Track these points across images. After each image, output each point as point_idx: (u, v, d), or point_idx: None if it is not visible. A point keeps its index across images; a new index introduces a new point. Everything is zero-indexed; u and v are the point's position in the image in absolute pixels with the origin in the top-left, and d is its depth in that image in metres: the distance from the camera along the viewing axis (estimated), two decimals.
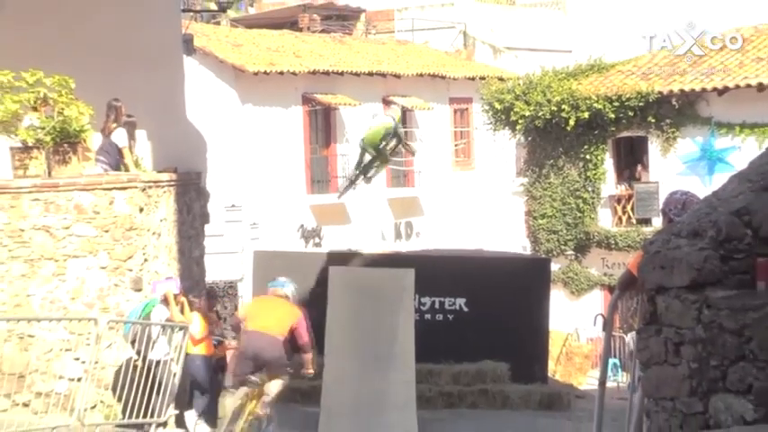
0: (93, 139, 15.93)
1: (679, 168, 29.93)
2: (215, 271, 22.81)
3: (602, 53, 32.20)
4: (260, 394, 13.51)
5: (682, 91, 29.79)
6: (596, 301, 30.87)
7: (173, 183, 16.74)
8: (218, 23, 37.07)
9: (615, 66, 31.76)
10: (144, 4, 17.87)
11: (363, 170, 22.39)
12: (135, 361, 14.64)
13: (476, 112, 36.53)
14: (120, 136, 16.15)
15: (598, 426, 9.44)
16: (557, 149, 31.39)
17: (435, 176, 35.61)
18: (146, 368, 14.48)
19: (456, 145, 37.90)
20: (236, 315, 14.15)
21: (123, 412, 14.51)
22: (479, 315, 20.45)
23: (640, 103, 30.01)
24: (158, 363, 14.66)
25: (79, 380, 14.34)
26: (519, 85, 32.02)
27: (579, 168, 31.17)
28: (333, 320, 17.01)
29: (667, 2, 35.01)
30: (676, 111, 30.12)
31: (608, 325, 10.30)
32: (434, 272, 20.29)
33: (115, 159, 16.12)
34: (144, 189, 15.68)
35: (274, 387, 13.68)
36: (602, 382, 9.85)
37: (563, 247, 31.51)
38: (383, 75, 34.54)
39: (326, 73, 32.74)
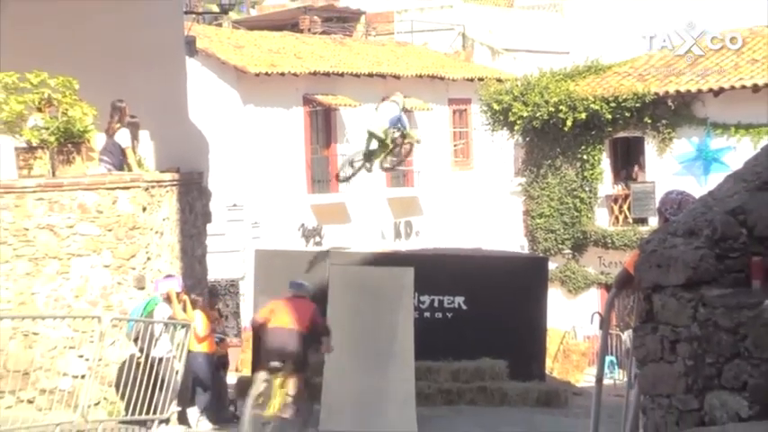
0: (97, 140, 15.95)
1: (675, 168, 29.93)
2: (217, 269, 22.81)
3: (599, 55, 32.20)
4: (282, 383, 13.75)
5: (678, 92, 29.79)
6: (593, 299, 30.88)
7: (175, 182, 16.75)
8: (219, 25, 37.08)
9: (612, 67, 31.76)
10: (147, 6, 17.87)
11: (367, 156, 22.42)
12: (138, 358, 14.65)
13: (474, 112, 36.53)
14: (123, 136, 16.16)
15: (595, 422, 9.44)
16: (554, 150, 31.39)
17: (434, 176, 35.61)
18: (148, 365, 14.49)
19: (455, 145, 37.91)
20: (257, 316, 14.39)
21: (126, 409, 14.52)
22: (478, 313, 20.44)
23: (637, 104, 30.01)
24: (161, 360, 14.68)
25: (83, 377, 14.36)
26: (517, 86, 32.01)
27: (576, 168, 31.17)
28: (333, 318, 17.02)
29: (667, 2, 34.96)
30: (672, 111, 30.11)
31: (605, 323, 10.30)
32: (433, 270, 20.29)
33: (118, 159, 16.13)
34: (147, 189, 15.69)
35: (293, 388, 13.89)
36: (599, 379, 9.85)
37: (560, 246, 31.51)
38: (383, 76, 34.53)
39: (327, 74, 32.74)
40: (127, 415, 14.51)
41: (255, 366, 20.66)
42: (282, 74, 31.45)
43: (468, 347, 20.15)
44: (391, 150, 22.13)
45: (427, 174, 35.50)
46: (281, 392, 13.89)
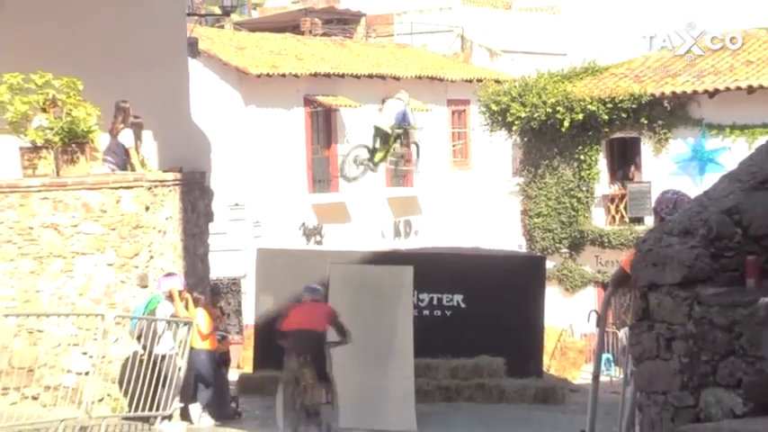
0: (101, 140, 15.95)
1: (671, 168, 29.93)
2: (219, 268, 22.82)
3: (596, 56, 32.19)
4: (307, 377, 14.21)
5: (674, 93, 29.79)
6: (590, 297, 30.86)
7: (178, 182, 16.75)
8: (222, 27, 37.06)
9: (609, 68, 31.75)
10: (150, 8, 17.87)
11: (372, 153, 22.44)
12: (141, 355, 14.65)
13: (473, 113, 36.54)
14: (126, 136, 16.16)
15: (592, 419, 9.45)
16: (552, 150, 31.38)
17: (433, 176, 35.60)
18: (151, 362, 14.49)
19: (454, 145, 37.91)
20: (280, 322, 14.70)
21: (129, 405, 14.52)
22: (476, 311, 20.45)
23: (633, 105, 29.99)
24: (164, 357, 14.68)
25: (87, 374, 14.35)
26: (515, 87, 32.00)
27: (574, 168, 31.16)
28: None
29: (667, 2, 34.92)
30: (668, 112, 30.10)
31: (601, 321, 10.31)
32: (433, 269, 20.30)
33: (122, 159, 16.13)
34: (150, 188, 15.69)
35: (314, 380, 14.29)
36: (596, 376, 9.86)
37: (558, 245, 31.51)
38: (383, 77, 34.53)
39: (327, 75, 32.74)
40: (130, 411, 14.51)
41: (257, 364, 20.77)
42: (283, 75, 31.46)
43: (466, 345, 20.17)
44: (393, 147, 22.15)
45: (426, 174, 35.49)
46: (309, 384, 14.26)
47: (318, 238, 32.30)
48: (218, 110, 29.10)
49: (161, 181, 16.22)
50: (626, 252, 17.21)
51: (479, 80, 35.89)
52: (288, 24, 39.50)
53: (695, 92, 29.60)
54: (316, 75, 32.38)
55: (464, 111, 38.04)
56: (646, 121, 30.15)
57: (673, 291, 6.93)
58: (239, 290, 29.60)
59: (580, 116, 30.31)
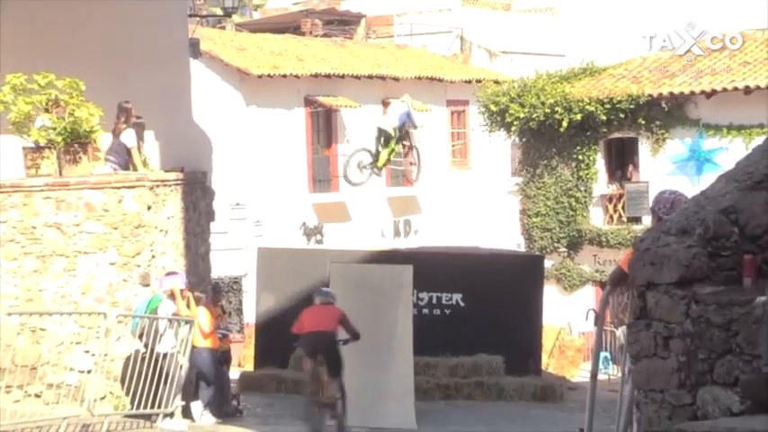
0: (103, 140, 15.94)
1: (668, 168, 29.92)
2: (220, 267, 22.82)
3: (594, 57, 32.19)
4: (324, 374, 14.89)
5: (671, 94, 29.78)
6: (588, 296, 30.86)
7: (179, 182, 16.74)
8: (223, 28, 37.05)
9: (607, 69, 31.74)
10: (152, 10, 17.86)
11: (375, 156, 22.50)
12: (143, 354, 14.64)
13: (472, 113, 36.55)
14: (129, 136, 16.15)
15: (590, 417, 9.44)
16: (550, 150, 31.37)
17: (433, 176, 35.59)
18: (153, 360, 14.49)
19: (453, 146, 37.91)
20: (296, 325, 15.17)
21: (132, 403, 14.52)
22: (475, 310, 20.46)
23: (631, 106, 29.98)
24: (165, 355, 14.68)
25: (89, 372, 14.35)
26: (514, 87, 31.99)
27: (572, 168, 31.15)
28: None
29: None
30: (666, 113, 30.10)
31: (599, 319, 10.30)
32: (432, 268, 20.31)
33: (124, 159, 16.12)
34: (152, 188, 15.68)
35: (336, 389, 14.99)
36: (594, 374, 9.85)
37: (556, 245, 31.50)
38: (383, 78, 34.54)
39: (328, 76, 32.74)
40: (132, 409, 14.52)
41: (258, 362, 20.77)
42: (284, 75, 31.46)
43: (465, 343, 20.18)
44: (395, 149, 22.20)
45: (426, 173, 35.47)
46: (325, 381, 14.88)
47: (319, 237, 32.31)
48: (219, 110, 29.10)
49: (163, 181, 16.22)
50: (624, 251, 17.23)
51: (478, 81, 35.90)
52: (289, 25, 39.50)
53: (692, 92, 29.61)
54: (316, 75, 32.39)
55: (463, 111, 38.05)
56: (643, 122, 30.15)
57: (670, 290, 6.93)
58: (240, 289, 29.62)
59: (578, 116, 30.31)
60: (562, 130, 30.60)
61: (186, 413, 15.50)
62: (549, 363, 27.43)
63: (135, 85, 16.70)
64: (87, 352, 14.67)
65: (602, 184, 31.28)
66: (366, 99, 33.50)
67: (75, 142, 15.22)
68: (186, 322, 15.19)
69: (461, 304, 20.74)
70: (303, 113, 32.54)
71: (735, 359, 6.52)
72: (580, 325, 29.13)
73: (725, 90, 29.23)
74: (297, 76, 31.85)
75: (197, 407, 15.74)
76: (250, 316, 26.55)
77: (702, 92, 29.48)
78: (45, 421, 13.45)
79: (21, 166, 15.43)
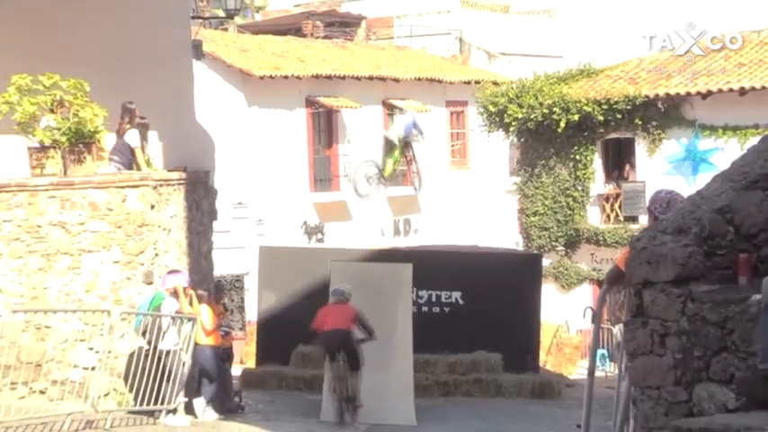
0: (107, 140, 15.95)
1: (665, 168, 29.92)
2: (222, 265, 22.81)
3: (591, 58, 32.19)
4: (343, 377, 15.89)
5: (667, 95, 29.78)
6: (585, 294, 30.87)
7: (182, 181, 16.75)
8: (225, 30, 37.04)
9: (604, 71, 31.76)
10: (155, 11, 17.85)
11: (382, 166, 22.58)
12: (146, 351, 14.64)
13: (471, 114, 36.53)
14: (132, 137, 16.15)
15: (587, 413, 9.44)
16: (548, 150, 31.37)
17: (432, 176, 35.58)
18: (156, 357, 14.49)
19: (452, 146, 37.89)
20: (314, 323, 16.15)
21: (135, 399, 14.52)
22: (474, 308, 20.46)
23: (628, 107, 29.99)
24: (168, 352, 14.68)
25: (93, 368, 14.36)
26: (512, 88, 31.99)
27: (569, 168, 31.15)
28: None
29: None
30: (662, 113, 30.10)
31: (597, 317, 10.30)
32: (431, 267, 20.30)
33: (128, 159, 16.12)
34: (155, 187, 15.69)
35: (357, 382, 15.98)
36: (591, 371, 9.84)
37: (554, 244, 31.50)
38: (383, 79, 34.52)
39: (329, 77, 32.73)
40: (135, 405, 14.51)
41: (260, 359, 20.78)
42: (286, 77, 31.45)
43: (464, 341, 20.17)
44: (398, 159, 22.36)
45: (426, 173, 35.45)
46: (346, 377, 15.87)
47: (320, 236, 32.30)
48: (221, 111, 29.09)
49: (166, 180, 16.22)
50: (621, 250, 17.20)
51: (477, 82, 35.88)
52: (290, 27, 39.47)
53: (688, 93, 29.61)
54: (317, 76, 32.38)
55: (462, 112, 38.02)
56: (640, 122, 30.16)
57: (666, 288, 6.93)
58: (242, 287, 29.60)
59: (576, 117, 30.32)
60: (560, 130, 30.60)
61: (189, 409, 15.50)
62: (546, 360, 27.42)
63: (138, 86, 16.70)
64: (91, 349, 14.68)
65: (599, 183, 31.29)
66: (366, 100, 33.51)
67: (80, 142, 15.23)
68: (189, 320, 15.19)
69: (460, 302, 20.74)
70: (304, 114, 32.53)
71: (730, 356, 6.52)
72: (577, 322, 29.14)
73: (720, 91, 29.24)
74: (298, 77, 31.84)
75: (199, 403, 15.75)
76: (252, 314, 26.54)
77: (698, 93, 29.49)
78: (49, 417, 13.45)
79: (26, 166, 15.43)
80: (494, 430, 16.60)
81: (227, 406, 16.44)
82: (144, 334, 14.71)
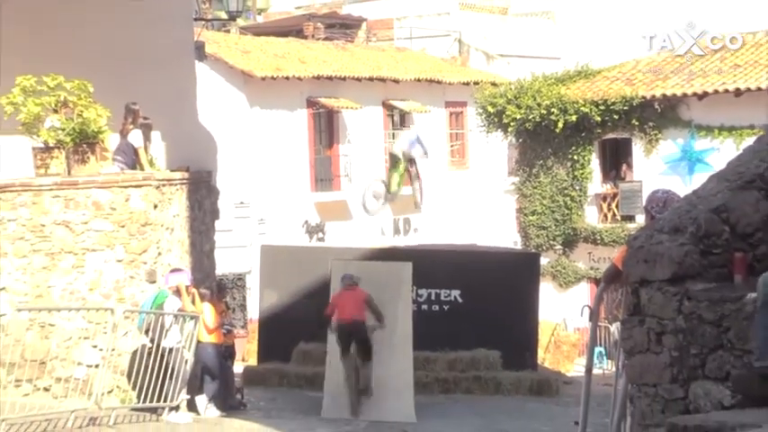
0: (111, 140, 15.94)
1: (661, 168, 29.92)
2: (224, 264, 22.82)
3: (588, 60, 32.19)
4: (358, 364, 16.22)
5: (664, 95, 29.78)
6: (583, 293, 30.86)
7: (185, 181, 16.74)
8: (228, 31, 37.03)
9: (601, 72, 31.76)
10: (159, 13, 17.86)
11: (387, 183, 22.73)
12: (149, 348, 14.63)
13: (470, 115, 36.53)
14: (136, 137, 16.14)
15: (584, 410, 9.43)
16: (546, 150, 31.37)
17: (432, 176, 35.56)
18: (159, 355, 14.49)
19: (451, 146, 37.90)
20: (327, 311, 16.42)
21: (138, 396, 14.52)
22: (473, 306, 20.44)
23: (625, 107, 29.99)
24: (171, 350, 14.67)
25: (97, 366, 14.35)
26: (511, 89, 31.99)
27: (567, 168, 31.15)
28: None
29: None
30: (659, 114, 30.11)
31: (594, 315, 10.29)
32: (431, 265, 20.28)
33: (131, 159, 16.11)
34: (158, 187, 15.68)
35: (368, 373, 16.30)
36: (589, 369, 9.85)
37: (552, 243, 31.50)
38: (383, 80, 34.53)
39: (330, 78, 32.73)
40: (138, 402, 14.51)
41: (261, 357, 20.78)
42: (287, 78, 31.46)
43: (463, 339, 20.16)
44: (403, 175, 22.58)
45: (425, 173, 35.42)
46: (359, 368, 16.17)
47: (321, 235, 32.30)
48: (224, 111, 29.09)
49: (169, 180, 16.22)
50: (618, 249, 17.20)
51: (476, 83, 35.90)
52: (291, 29, 39.48)
53: (685, 94, 29.62)
54: (318, 77, 32.38)
55: (461, 112, 38.02)
56: (637, 123, 30.16)
57: (663, 286, 6.92)
58: (244, 285, 29.59)
59: (573, 118, 30.32)
60: (558, 130, 30.61)
61: (191, 406, 15.49)
62: (544, 358, 27.42)
63: (142, 87, 16.70)
64: (95, 347, 14.66)
65: (596, 183, 31.29)
66: (367, 100, 33.51)
67: (84, 142, 15.22)
68: (191, 318, 15.18)
69: (460, 300, 20.72)
70: (305, 114, 32.54)
71: (726, 354, 6.52)
72: (575, 321, 29.14)
73: (716, 92, 29.25)
74: (299, 78, 31.84)
75: (202, 400, 15.74)
76: (254, 312, 26.53)
77: (694, 94, 29.50)
78: (54, 414, 13.44)
79: (30, 166, 15.43)
80: (493, 427, 16.59)
81: (228, 403, 16.44)
82: (147, 332, 14.70)
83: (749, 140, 27.27)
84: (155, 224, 15.47)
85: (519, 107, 31.10)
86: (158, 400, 14.47)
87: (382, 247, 25.54)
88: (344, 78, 33.18)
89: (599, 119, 30.25)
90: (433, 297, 20.67)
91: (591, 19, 38.73)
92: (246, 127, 30.70)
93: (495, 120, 31.87)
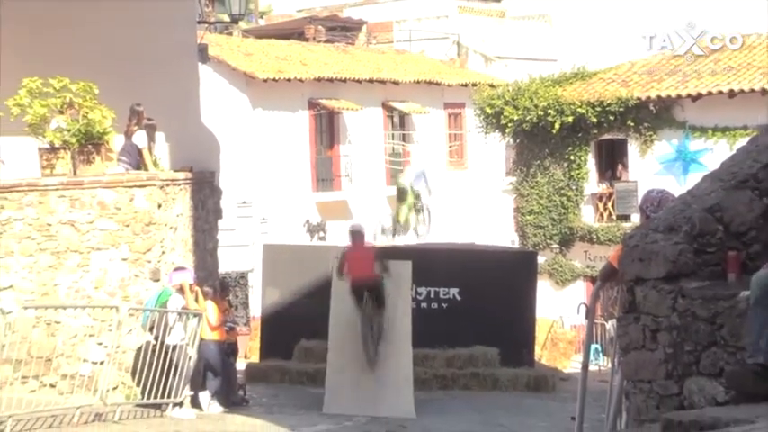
0: (116, 141, 15.94)
1: (656, 168, 29.91)
2: (227, 262, 22.80)
3: (585, 62, 32.18)
4: (371, 313, 16.74)
5: (659, 97, 29.78)
6: (579, 290, 30.84)
7: (188, 181, 16.74)
8: (230, 34, 37.02)
9: (597, 74, 31.75)
10: (163, 16, 17.85)
11: (396, 213, 23.06)
12: (153, 346, 14.64)
13: (468, 116, 36.51)
14: (140, 138, 16.14)
15: (581, 406, 9.44)
16: (543, 151, 31.36)
17: (431, 176, 35.53)
18: (163, 352, 14.49)
19: (450, 147, 37.87)
20: (341, 260, 17.02)
21: (142, 393, 14.52)
22: (471, 304, 20.44)
23: (620, 108, 29.98)
24: (175, 347, 14.67)
25: (102, 363, 14.36)
26: (508, 91, 31.98)
27: (564, 168, 31.14)
28: (336, 308, 17.05)
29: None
30: (654, 115, 30.10)
31: (590, 313, 10.29)
32: (430, 264, 20.29)
33: (136, 159, 16.11)
34: (162, 187, 15.68)
35: (382, 318, 16.85)
36: (585, 365, 9.84)
37: (549, 241, 31.48)
38: (383, 81, 34.52)
39: (330, 80, 32.72)
40: (143, 398, 14.51)
41: (263, 354, 20.77)
42: (289, 79, 31.45)
43: (462, 336, 20.17)
44: (411, 206, 22.89)
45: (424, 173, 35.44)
46: (373, 315, 16.67)
47: (322, 234, 32.28)
48: (226, 113, 29.07)
49: (172, 180, 16.22)
50: (613, 248, 17.18)
51: (474, 85, 35.88)
52: (293, 32, 39.47)
53: (679, 96, 29.62)
54: (319, 79, 32.37)
55: (460, 114, 38.01)
56: (632, 124, 30.15)
57: (658, 284, 6.93)
58: (246, 283, 29.58)
59: (570, 119, 30.31)
60: (554, 131, 30.60)
61: (194, 402, 15.50)
62: (541, 354, 27.41)
63: (146, 89, 16.70)
64: (100, 344, 14.66)
65: (592, 183, 31.28)
66: (367, 102, 33.50)
67: (89, 143, 15.22)
68: (195, 315, 15.19)
69: (458, 298, 20.73)
70: (307, 116, 32.53)
71: (719, 351, 6.52)
72: (572, 318, 29.10)
73: (710, 94, 29.27)
74: (301, 80, 31.83)
75: (205, 396, 15.74)
76: (256, 309, 26.53)
77: (689, 95, 29.50)
78: (59, 410, 13.45)
79: (36, 167, 15.42)
80: (490, 422, 16.59)
81: (231, 399, 16.44)
82: (151, 329, 14.70)
83: (743, 141, 27.24)
84: (159, 223, 15.47)
85: (516, 108, 31.09)
86: (162, 397, 14.48)
87: (382, 245, 25.55)
88: (345, 80, 33.17)
89: (595, 120, 30.25)
90: (432, 295, 20.68)
91: (587, 21, 38.71)
92: (249, 128, 30.70)
93: (493, 121, 31.86)
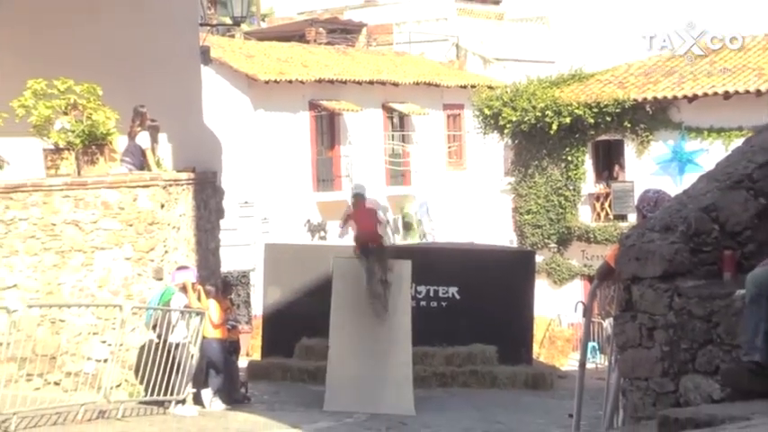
0: (119, 142, 15.94)
1: (652, 169, 29.91)
2: (229, 262, 22.79)
3: (582, 64, 32.18)
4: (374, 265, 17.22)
5: (655, 98, 29.78)
6: (577, 289, 30.84)
7: (191, 181, 16.75)
8: (232, 36, 36.99)
9: (594, 75, 31.76)
10: (165, 18, 17.86)
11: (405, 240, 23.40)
12: (156, 344, 14.64)
13: (467, 117, 36.50)
14: (143, 138, 16.14)
15: (578, 403, 9.44)
16: (541, 151, 31.36)
17: (430, 176, 35.58)
18: (166, 350, 14.49)
19: (449, 147, 37.87)
20: (345, 217, 18.04)
21: (146, 390, 14.52)
22: (470, 302, 20.43)
23: (617, 110, 29.98)
24: (177, 345, 14.68)
25: (105, 361, 14.36)
26: (506, 92, 31.99)
27: (561, 169, 31.14)
28: (336, 307, 17.05)
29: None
30: (650, 116, 30.10)
31: (587, 311, 10.29)
32: (429, 263, 20.28)
33: (139, 160, 16.11)
34: (165, 187, 15.68)
35: (386, 267, 17.32)
36: (583, 363, 9.84)
37: (546, 241, 31.48)
38: (383, 83, 34.51)
39: (331, 81, 32.71)
40: (146, 396, 14.51)
41: (265, 352, 20.78)
42: (290, 81, 31.44)
43: (461, 334, 20.16)
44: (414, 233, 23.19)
45: (424, 173, 35.47)
46: (377, 266, 17.05)
47: (322, 233, 32.27)
48: (228, 114, 29.07)
49: (175, 180, 16.22)
50: (610, 247, 17.19)
51: (473, 86, 35.87)
52: (294, 34, 39.46)
53: (675, 97, 29.63)
54: (320, 81, 32.36)
55: (459, 115, 38.00)
56: (629, 125, 30.16)
57: (654, 283, 6.92)
58: (248, 282, 29.57)
59: (567, 120, 30.31)
60: (552, 132, 30.60)
61: (197, 400, 15.50)
62: (539, 352, 27.41)
63: (149, 90, 16.70)
64: (104, 342, 14.67)
65: (589, 183, 31.29)
66: (367, 103, 33.49)
67: (93, 144, 15.23)
68: (197, 314, 15.19)
69: (457, 297, 20.72)
70: (308, 117, 32.53)
71: (715, 349, 6.51)
72: (569, 316, 29.11)
73: (706, 95, 29.27)
74: (302, 82, 31.82)
75: (207, 394, 15.74)
76: (257, 308, 26.52)
77: (684, 96, 29.51)
78: (63, 408, 13.46)
79: (41, 167, 15.43)
80: (489, 420, 16.58)
81: (233, 396, 16.43)
82: (154, 328, 14.71)
83: (738, 142, 27.18)
84: (162, 223, 15.47)
85: (515, 109, 31.09)
86: (165, 394, 14.49)
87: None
88: (345, 82, 33.16)
89: (592, 121, 30.25)
90: (431, 294, 20.67)
91: (584, 23, 38.71)
92: (250, 129, 30.69)
93: (492, 122, 31.86)
